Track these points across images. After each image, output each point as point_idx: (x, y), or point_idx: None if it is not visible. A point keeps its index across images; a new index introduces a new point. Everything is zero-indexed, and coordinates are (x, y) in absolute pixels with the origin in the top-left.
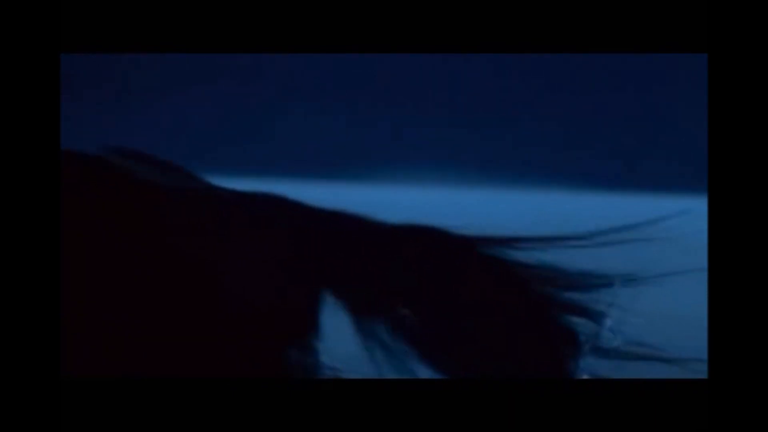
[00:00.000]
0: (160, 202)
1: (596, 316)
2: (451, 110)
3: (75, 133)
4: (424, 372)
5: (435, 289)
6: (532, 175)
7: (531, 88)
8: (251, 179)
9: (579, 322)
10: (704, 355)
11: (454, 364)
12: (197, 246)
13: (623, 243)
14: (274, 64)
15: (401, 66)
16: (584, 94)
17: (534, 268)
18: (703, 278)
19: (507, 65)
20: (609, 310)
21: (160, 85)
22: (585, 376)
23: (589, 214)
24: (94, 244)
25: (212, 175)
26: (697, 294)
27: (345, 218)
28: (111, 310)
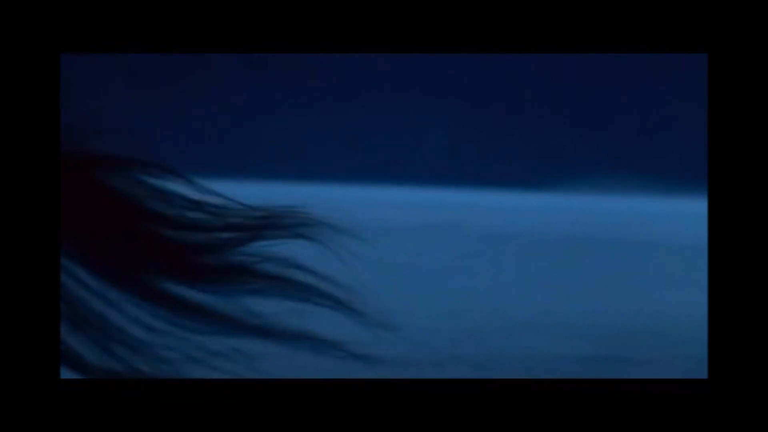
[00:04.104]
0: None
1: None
2: (445, 110)
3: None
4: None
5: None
6: (532, 174)
7: (529, 88)
8: (252, 181)
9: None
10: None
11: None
12: None
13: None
14: (275, 63)
15: (399, 66)
16: (583, 94)
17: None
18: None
19: (505, 65)
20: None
21: (161, 85)
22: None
23: (588, 214)
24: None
25: (217, 175)
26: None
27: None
28: None
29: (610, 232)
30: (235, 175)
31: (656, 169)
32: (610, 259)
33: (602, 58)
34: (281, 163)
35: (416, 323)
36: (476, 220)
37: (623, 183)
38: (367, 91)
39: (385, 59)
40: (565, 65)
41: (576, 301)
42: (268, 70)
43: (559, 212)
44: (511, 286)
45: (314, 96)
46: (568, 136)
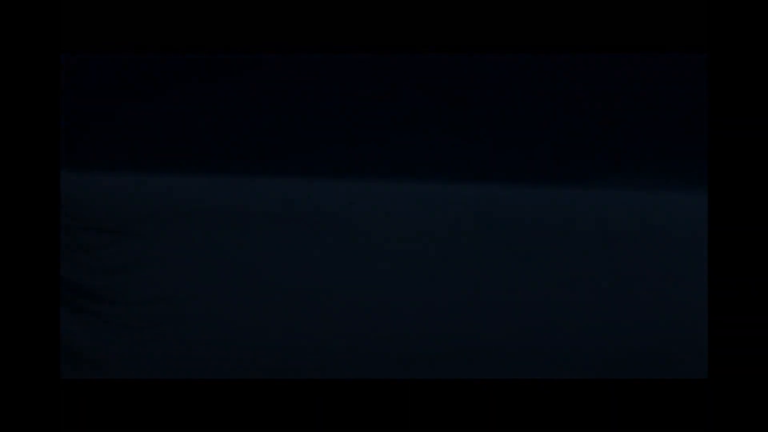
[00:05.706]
0: None
1: None
2: (445, 110)
3: (75, 133)
4: None
5: None
6: (531, 172)
7: (528, 89)
8: (257, 179)
9: None
10: None
11: None
12: None
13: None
14: (275, 63)
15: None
16: (583, 95)
17: None
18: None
19: (504, 66)
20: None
21: (162, 84)
22: None
23: (589, 211)
24: None
25: (218, 173)
26: None
27: None
28: None
29: (614, 225)
30: (236, 173)
31: (655, 168)
32: (615, 254)
33: (602, 59)
34: (283, 160)
35: (429, 319)
36: (493, 214)
37: (621, 181)
38: (385, 88)
39: (402, 58)
40: (564, 66)
41: (589, 297)
42: (267, 70)
43: (562, 208)
44: (528, 279)
45: (320, 94)
46: (565, 136)
